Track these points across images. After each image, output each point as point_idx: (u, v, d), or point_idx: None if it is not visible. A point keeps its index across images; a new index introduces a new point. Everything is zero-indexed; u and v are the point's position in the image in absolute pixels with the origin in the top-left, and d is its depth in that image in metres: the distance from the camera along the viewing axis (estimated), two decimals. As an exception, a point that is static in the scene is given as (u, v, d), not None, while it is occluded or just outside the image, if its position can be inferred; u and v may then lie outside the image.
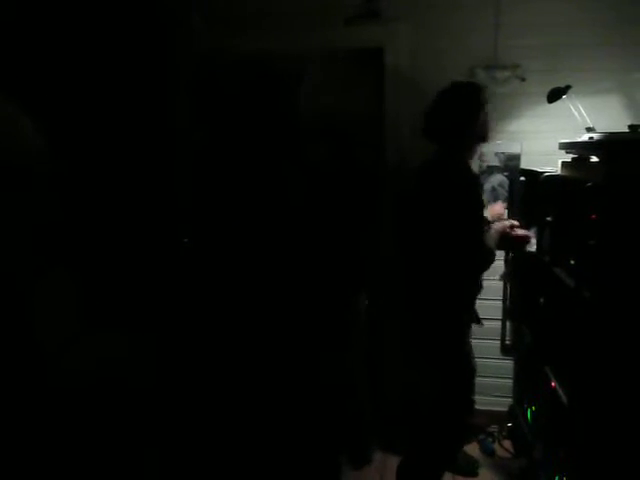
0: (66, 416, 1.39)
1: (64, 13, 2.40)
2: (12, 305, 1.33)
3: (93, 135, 2.41)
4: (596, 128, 2.17)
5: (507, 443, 2.82)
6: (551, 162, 2.34)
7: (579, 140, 1.94)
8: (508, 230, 2.30)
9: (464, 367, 2.24)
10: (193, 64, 2.84)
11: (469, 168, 2.11)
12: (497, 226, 2.28)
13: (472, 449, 2.80)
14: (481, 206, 2.07)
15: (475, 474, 2.62)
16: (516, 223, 2.37)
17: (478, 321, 2.27)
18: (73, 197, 2.03)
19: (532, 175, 2.47)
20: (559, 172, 2.17)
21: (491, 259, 2.10)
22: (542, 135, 2.64)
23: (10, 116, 1.34)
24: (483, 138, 2.21)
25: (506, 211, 2.62)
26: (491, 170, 2.80)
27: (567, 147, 2.08)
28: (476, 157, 2.54)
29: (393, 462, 2.44)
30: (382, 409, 2.85)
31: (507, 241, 2.30)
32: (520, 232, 2.33)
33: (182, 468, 1.99)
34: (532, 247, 2.39)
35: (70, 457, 1.41)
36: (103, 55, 2.54)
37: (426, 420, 2.24)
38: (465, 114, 2.12)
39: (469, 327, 2.27)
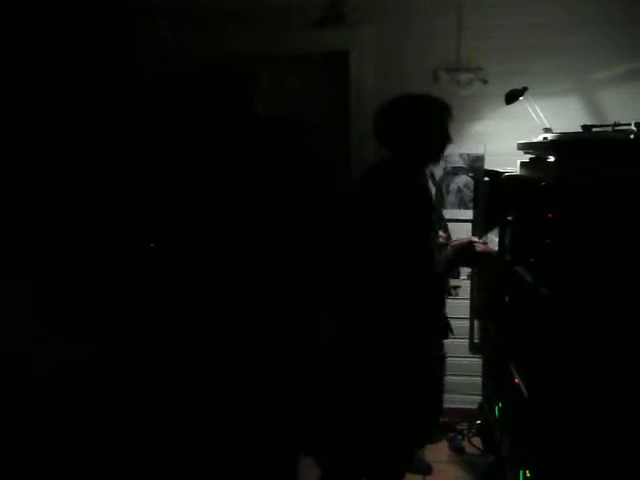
0: (26, 416, 1.38)
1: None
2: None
3: (54, 137, 2.39)
4: (554, 129, 2.22)
5: (476, 440, 2.85)
6: (513, 163, 2.38)
7: (534, 140, 1.98)
8: (467, 245, 2.28)
9: (421, 377, 2.19)
10: (154, 65, 2.84)
11: (412, 181, 2.06)
12: (455, 244, 2.28)
13: (441, 447, 2.84)
14: (421, 223, 2.04)
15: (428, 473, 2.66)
16: (475, 239, 2.37)
17: (446, 334, 2.27)
18: (33, 200, 2.01)
19: (495, 175, 2.51)
20: (518, 172, 2.21)
21: (436, 281, 2.09)
22: (504, 136, 2.68)
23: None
24: (434, 156, 2.20)
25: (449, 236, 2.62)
26: (456, 171, 2.85)
27: (524, 147, 2.12)
28: (429, 168, 2.53)
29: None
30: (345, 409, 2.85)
31: (467, 256, 2.29)
32: (481, 247, 2.32)
33: (146, 468, 1.98)
34: (496, 247, 2.43)
35: (29, 458, 1.40)
36: (60, 57, 2.52)
37: (380, 422, 2.24)
38: (419, 127, 2.10)
39: (432, 338, 2.24)
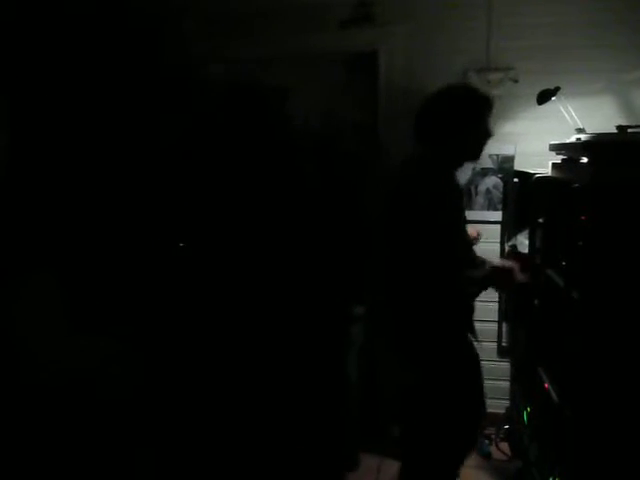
0: (50, 415, 1.40)
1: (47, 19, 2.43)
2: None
3: (83, 139, 2.43)
4: (587, 129, 2.17)
5: (504, 445, 2.81)
6: (544, 163, 2.34)
7: (567, 141, 1.94)
8: (508, 270, 2.02)
9: (462, 371, 2.06)
10: (184, 67, 2.86)
11: (445, 180, 1.93)
12: (496, 265, 2.07)
13: (469, 451, 2.80)
14: (451, 225, 1.90)
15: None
16: (514, 265, 2.08)
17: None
18: (65, 201, 2.05)
19: (525, 177, 2.48)
20: (550, 173, 2.17)
21: (463, 291, 1.95)
22: (535, 137, 2.64)
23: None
24: (473, 154, 2.02)
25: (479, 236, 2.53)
26: (485, 172, 2.81)
27: (557, 148, 2.08)
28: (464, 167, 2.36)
29: (387, 466, 2.43)
30: (376, 412, 2.85)
31: (503, 282, 2.06)
32: (520, 277, 2.04)
33: (169, 468, 1.99)
34: (525, 249, 2.39)
35: (48, 455, 1.42)
36: (86, 59, 2.56)
37: (420, 426, 2.16)
38: (454, 120, 1.92)
39: (463, 338, 2.10)
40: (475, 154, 2.03)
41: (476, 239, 2.48)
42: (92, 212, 2.33)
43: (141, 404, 1.82)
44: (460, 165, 2.05)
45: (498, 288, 2.20)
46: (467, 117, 1.92)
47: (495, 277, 2.01)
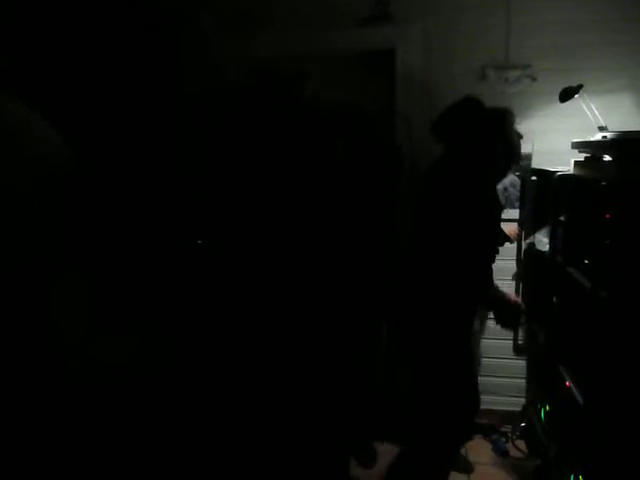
0: (83, 415, 1.40)
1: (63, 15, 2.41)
2: (29, 303, 1.34)
3: (101, 137, 2.42)
4: (608, 127, 2.17)
5: (520, 443, 2.82)
6: (562, 161, 2.33)
7: (592, 139, 1.93)
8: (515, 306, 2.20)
9: (464, 367, 2.21)
10: (201, 68, 2.85)
11: (486, 188, 2.06)
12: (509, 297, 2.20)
13: (485, 449, 2.81)
14: (489, 232, 2.04)
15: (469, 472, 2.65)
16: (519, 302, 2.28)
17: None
18: (87, 197, 2.04)
19: (543, 175, 2.47)
20: (572, 171, 2.17)
21: (484, 289, 2.07)
22: (553, 134, 2.63)
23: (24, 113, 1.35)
24: (508, 161, 2.19)
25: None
26: (503, 170, 2.80)
27: (580, 146, 2.07)
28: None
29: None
30: (390, 407, 2.86)
31: (503, 312, 2.20)
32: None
33: (193, 467, 2.00)
34: (544, 247, 2.39)
35: (82, 455, 1.42)
36: (102, 57, 2.54)
37: (429, 418, 2.24)
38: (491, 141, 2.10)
39: (470, 329, 2.23)
40: (503, 173, 2.24)
41: (515, 238, 2.50)
42: (113, 208, 2.32)
43: (165, 400, 1.82)
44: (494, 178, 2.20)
45: (499, 321, 2.24)
46: (498, 139, 2.11)
47: (502, 305, 2.15)
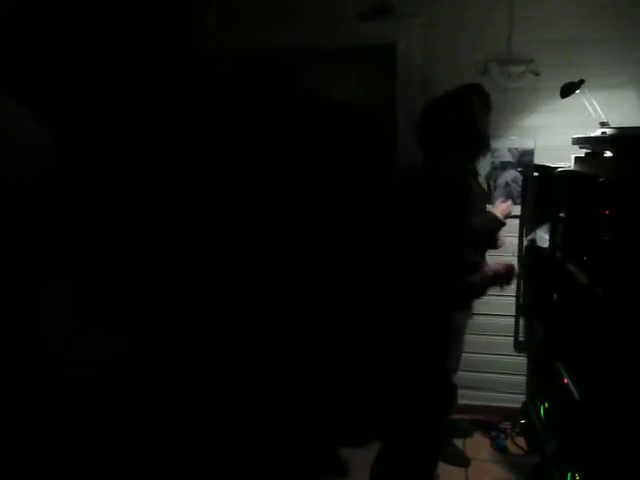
0: (71, 410, 1.41)
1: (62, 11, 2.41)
2: (17, 303, 1.34)
3: (91, 135, 2.41)
4: (610, 123, 2.15)
5: (520, 440, 2.81)
6: (564, 157, 2.32)
7: (592, 135, 1.92)
8: (507, 269, 2.24)
9: (437, 364, 2.19)
10: (197, 63, 2.84)
11: (454, 182, 2.03)
12: (493, 267, 2.23)
13: (484, 445, 2.81)
14: (451, 222, 1.99)
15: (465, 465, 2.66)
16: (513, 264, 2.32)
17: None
18: (77, 194, 2.04)
19: (545, 170, 2.45)
20: (572, 167, 2.15)
21: (469, 296, 2.10)
22: (556, 130, 2.62)
23: (11, 111, 1.35)
24: (475, 151, 2.17)
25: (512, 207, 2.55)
26: (504, 166, 2.79)
27: (580, 142, 2.06)
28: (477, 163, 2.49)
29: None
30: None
31: (503, 280, 2.26)
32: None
33: (188, 463, 2.00)
34: (545, 244, 2.37)
35: (73, 452, 1.42)
36: (98, 53, 2.54)
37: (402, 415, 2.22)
38: (448, 127, 2.06)
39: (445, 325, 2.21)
40: (475, 156, 2.22)
41: (508, 216, 2.46)
42: (107, 205, 2.33)
43: (159, 397, 1.83)
44: (467, 165, 2.22)
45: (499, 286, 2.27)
46: (451, 127, 2.05)
47: (497, 278, 2.19)
